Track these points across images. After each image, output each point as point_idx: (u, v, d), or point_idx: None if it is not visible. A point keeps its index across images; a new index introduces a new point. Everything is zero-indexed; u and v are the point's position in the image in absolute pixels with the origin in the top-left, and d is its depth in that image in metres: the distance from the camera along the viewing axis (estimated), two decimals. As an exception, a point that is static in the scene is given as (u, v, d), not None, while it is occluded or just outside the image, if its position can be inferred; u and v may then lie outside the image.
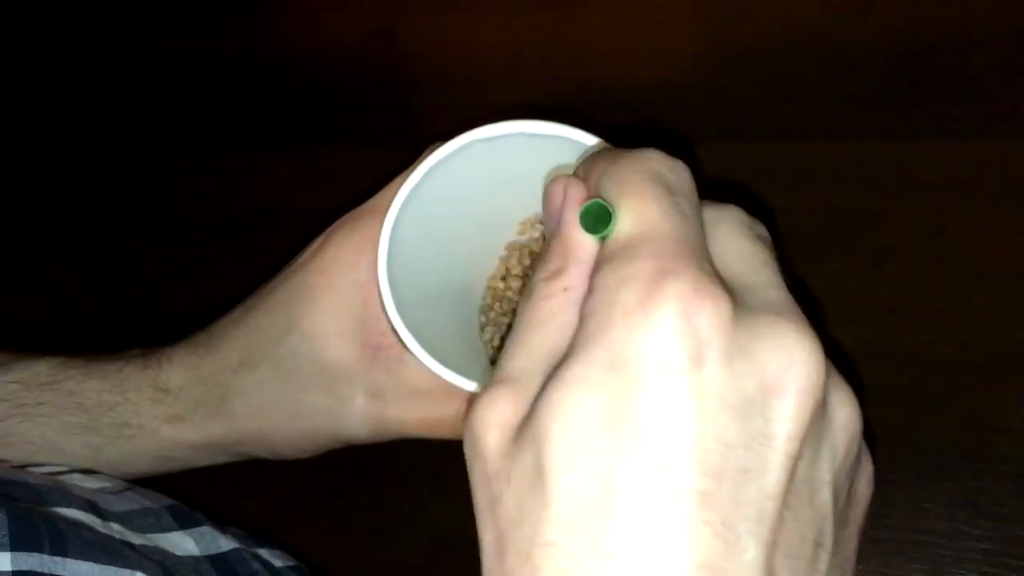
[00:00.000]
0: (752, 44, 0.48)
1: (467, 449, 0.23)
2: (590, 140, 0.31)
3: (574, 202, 0.24)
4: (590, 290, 0.22)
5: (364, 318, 0.37)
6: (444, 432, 0.37)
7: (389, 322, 0.33)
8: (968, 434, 0.41)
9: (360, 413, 0.37)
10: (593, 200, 0.23)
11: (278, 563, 0.40)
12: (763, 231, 0.25)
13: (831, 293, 0.44)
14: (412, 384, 0.37)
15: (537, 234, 0.38)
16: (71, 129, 0.59)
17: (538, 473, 0.21)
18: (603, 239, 0.23)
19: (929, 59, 0.45)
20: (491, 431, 0.22)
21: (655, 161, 0.24)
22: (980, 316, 0.42)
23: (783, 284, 0.23)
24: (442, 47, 0.53)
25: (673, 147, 0.24)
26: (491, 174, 0.33)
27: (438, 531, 0.46)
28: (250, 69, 0.56)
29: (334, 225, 0.39)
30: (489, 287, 0.39)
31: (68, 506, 0.34)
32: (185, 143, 0.57)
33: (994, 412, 0.41)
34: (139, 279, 0.55)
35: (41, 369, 0.40)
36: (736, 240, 0.24)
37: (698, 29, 0.49)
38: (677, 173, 0.24)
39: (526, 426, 0.21)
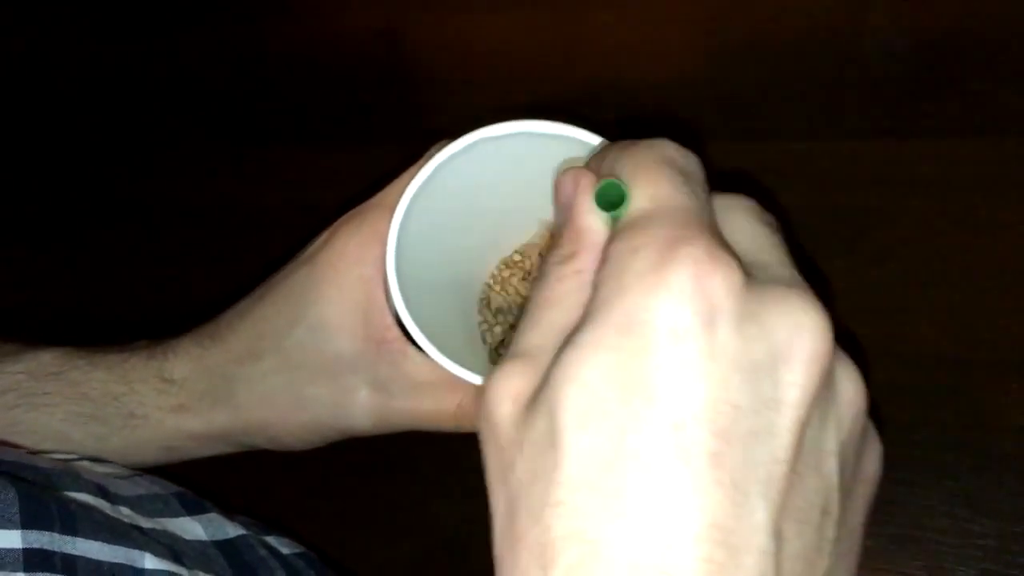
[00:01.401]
0: (752, 44, 0.48)
1: (480, 423, 0.23)
2: (595, 140, 0.31)
3: (586, 190, 0.25)
4: (603, 261, 0.23)
5: (369, 311, 0.37)
6: (446, 424, 0.38)
7: (396, 315, 0.33)
8: (969, 432, 0.41)
9: (364, 405, 0.38)
10: (608, 180, 0.24)
11: (285, 550, 0.41)
12: (772, 218, 0.26)
13: (831, 293, 0.44)
14: (415, 377, 0.37)
15: (538, 239, 0.39)
16: (73, 129, 0.59)
17: (551, 435, 0.21)
18: (615, 219, 0.24)
19: (929, 59, 0.45)
20: (504, 402, 0.23)
21: (668, 148, 0.25)
22: (981, 314, 0.42)
23: (792, 264, 0.24)
24: (445, 47, 0.53)
25: (684, 140, 0.25)
26: (497, 172, 0.34)
27: (441, 527, 0.46)
28: (253, 69, 0.57)
29: (340, 220, 0.39)
30: (489, 283, 0.39)
31: (78, 490, 0.34)
32: (187, 142, 0.57)
33: (995, 410, 0.41)
34: (142, 278, 0.55)
35: (47, 359, 0.41)
36: (746, 224, 0.24)
37: (699, 29, 0.49)
38: (688, 160, 0.25)
39: (539, 393, 0.22)
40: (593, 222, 0.24)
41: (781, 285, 0.22)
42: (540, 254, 0.39)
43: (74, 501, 0.33)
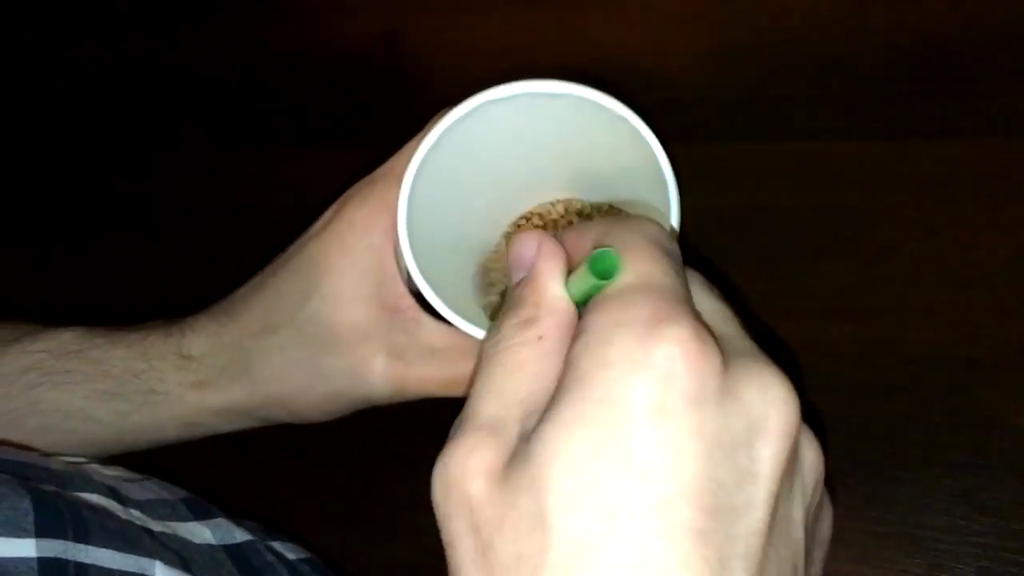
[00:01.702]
0: (752, 44, 0.48)
1: (443, 497, 0.23)
2: (598, 97, 0.31)
3: (549, 255, 0.25)
4: (580, 333, 0.23)
5: (381, 280, 0.37)
6: (461, 391, 0.38)
7: (408, 282, 0.33)
8: (967, 430, 0.42)
9: (381, 373, 0.38)
10: (604, 249, 0.24)
11: (291, 555, 0.41)
12: (718, 292, 0.26)
13: (832, 292, 0.44)
14: (430, 343, 0.37)
15: (549, 201, 0.39)
16: (73, 129, 0.59)
17: (538, 517, 0.21)
18: (596, 290, 0.24)
19: (929, 59, 0.45)
20: (474, 478, 0.22)
21: (654, 228, 0.25)
22: (979, 314, 0.42)
23: (749, 336, 0.24)
24: (445, 48, 0.53)
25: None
26: (502, 134, 0.34)
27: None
28: (254, 70, 0.57)
29: (348, 191, 0.39)
30: (490, 256, 0.39)
31: (91, 491, 0.34)
32: (188, 143, 0.57)
33: (993, 408, 0.42)
34: (141, 278, 0.55)
35: (67, 338, 0.41)
36: (705, 298, 0.25)
37: (699, 29, 0.49)
38: (672, 243, 0.25)
39: (518, 470, 0.21)
40: (559, 289, 0.24)
41: (748, 359, 0.22)
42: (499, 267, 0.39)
43: (87, 505, 0.33)
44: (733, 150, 0.47)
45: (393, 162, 0.38)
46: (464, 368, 0.37)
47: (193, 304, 0.52)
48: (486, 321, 0.36)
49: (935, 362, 0.43)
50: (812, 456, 0.23)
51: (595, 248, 0.24)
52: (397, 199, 0.33)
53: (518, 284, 0.26)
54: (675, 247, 0.25)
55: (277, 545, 0.41)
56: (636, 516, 0.20)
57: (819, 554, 0.25)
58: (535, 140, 0.33)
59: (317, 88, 0.55)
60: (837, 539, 0.41)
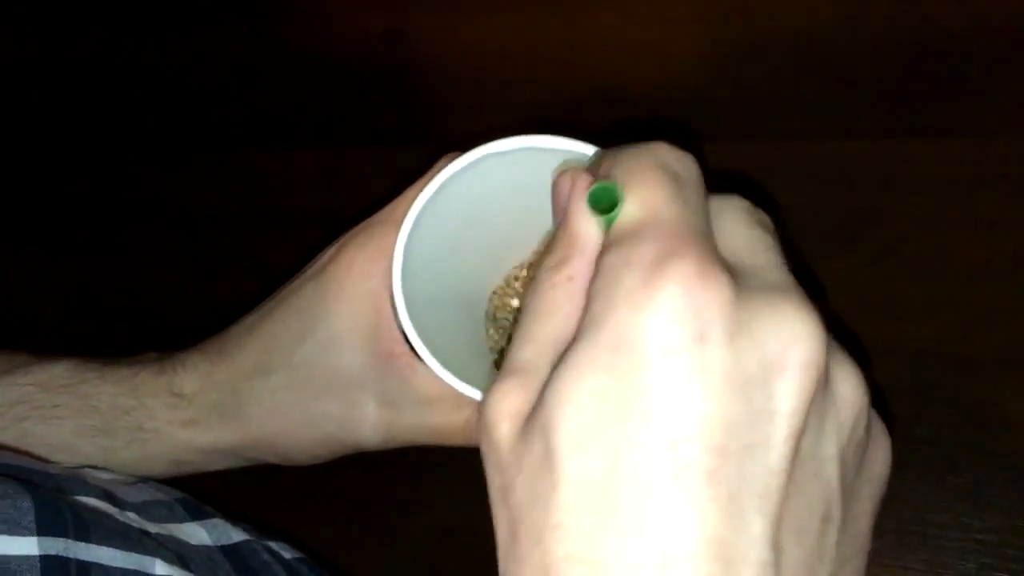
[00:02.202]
0: (752, 44, 0.48)
1: (481, 441, 0.23)
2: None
3: (581, 192, 0.24)
4: (595, 273, 0.23)
5: (377, 326, 0.37)
6: (455, 440, 0.38)
7: (402, 331, 0.33)
8: (969, 428, 0.42)
9: (372, 420, 0.38)
10: (601, 183, 0.23)
11: (287, 555, 0.41)
12: (766, 219, 0.25)
13: (832, 291, 0.44)
14: (424, 392, 0.37)
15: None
16: (72, 131, 0.60)
17: (548, 458, 0.21)
18: (609, 223, 0.23)
19: (929, 59, 0.45)
20: (502, 422, 0.22)
21: (663, 151, 0.24)
22: (980, 312, 0.43)
23: (785, 267, 0.23)
24: (452, 48, 0.53)
25: (682, 141, 0.25)
26: (503, 187, 0.34)
27: (444, 525, 0.47)
28: (260, 70, 0.57)
29: (348, 235, 0.39)
30: (494, 298, 0.39)
31: (87, 494, 0.34)
32: (196, 144, 0.57)
33: (995, 406, 0.42)
34: (150, 278, 0.55)
35: (58, 372, 0.41)
36: (739, 226, 0.24)
37: (700, 29, 0.49)
38: (684, 163, 0.24)
39: (535, 414, 0.22)
40: (587, 227, 0.24)
41: (772, 292, 0.22)
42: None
43: (85, 506, 0.33)
44: (733, 150, 0.47)
45: (393, 207, 0.38)
46: (457, 418, 0.37)
47: (198, 306, 0.52)
48: (480, 372, 0.36)
49: (937, 360, 0.43)
50: (849, 389, 0.22)
51: (598, 181, 0.24)
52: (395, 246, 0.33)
53: (556, 228, 0.25)
54: (688, 169, 0.24)
55: (273, 544, 0.41)
56: (643, 457, 0.20)
57: (868, 491, 0.24)
58: (536, 191, 0.33)
59: (322, 89, 0.55)
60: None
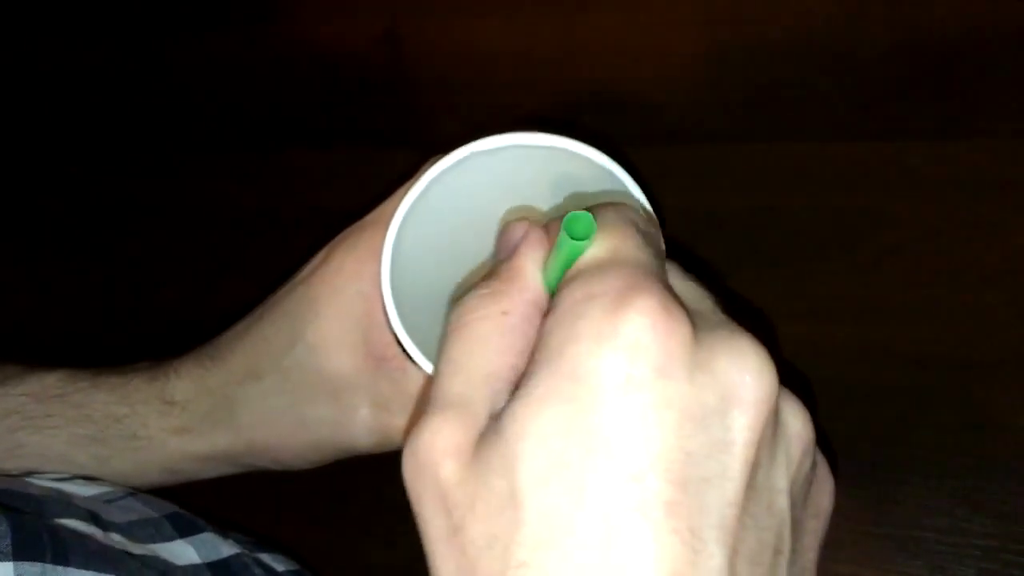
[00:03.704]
0: (752, 44, 0.48)
1: (413, 480, 0.22)
2: (586, 150, 0.31)
3: (532, 242, 0.25)
4: (552, 308, 0.23)
5: (368, 329, 0.37)
6: None
7: (393, 333, 0.33)
8: (968, 432, 0.41)
9: (365, 424, 0.38)
10: (581, 211, 0.24)
11: (280, 567, 0.41)
12: (695, 278, 0.26)
13: (831, 293, 0.44)
14: (416, 394, 0.37)
15: None
16: (74, 134, 0.60)
17: (510, 495, 0.21)
18: (571, 257, 0.24)
19: (929, 59, 0.45)
20: (444, 459, 0.22)
21: (630, 211, 0.25)
22: (980, 315, 0.42)
23: (724, 311, 0.24)
24: (447, 50, 0.53)
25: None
26: (490, 185, 0.34)
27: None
28: (256, 72, 0.57)
29: (337, 237, 0.39)
30: None
31: (69, 516, 0.34)
32: (191, 146, 0.57)
33: (994, 410, 0.41)
34: (147, 280, 0.55)
35: (50, 382, 0.41)
36: (679, 281, 0.25)
37: (699, 30, 0.49)
38: (650, 225, 0.25)
39: (489, 449, 0.21)
40: (533, 270, 0.24)
41: (725, 330, 0.22)
42: None
43: (65, 529, 0.33)
44: (733, 151, 0.47)
45: (383, 208, 0.38)
46: None
47: (196, 307, 0.52)
48: None
49: (937, 363, 0.43)
50: (797, 424, 0.23)
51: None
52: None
53: (497, 262, 0.26)
54: (653, 229, 0.25)
55: (265, 557, 0.40)
56: (606, 490, 0.20)
57: (814, 525, 0.25)
58: (522, 189, 0.33)
59: (319, 91, 0.55)
60: (837, 541, 0.41)
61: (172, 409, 0.40)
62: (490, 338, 0.23)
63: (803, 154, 0.46)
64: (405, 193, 0.33)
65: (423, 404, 0.24)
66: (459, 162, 0.32)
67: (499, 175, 0.33)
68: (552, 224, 0.26)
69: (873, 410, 0.43)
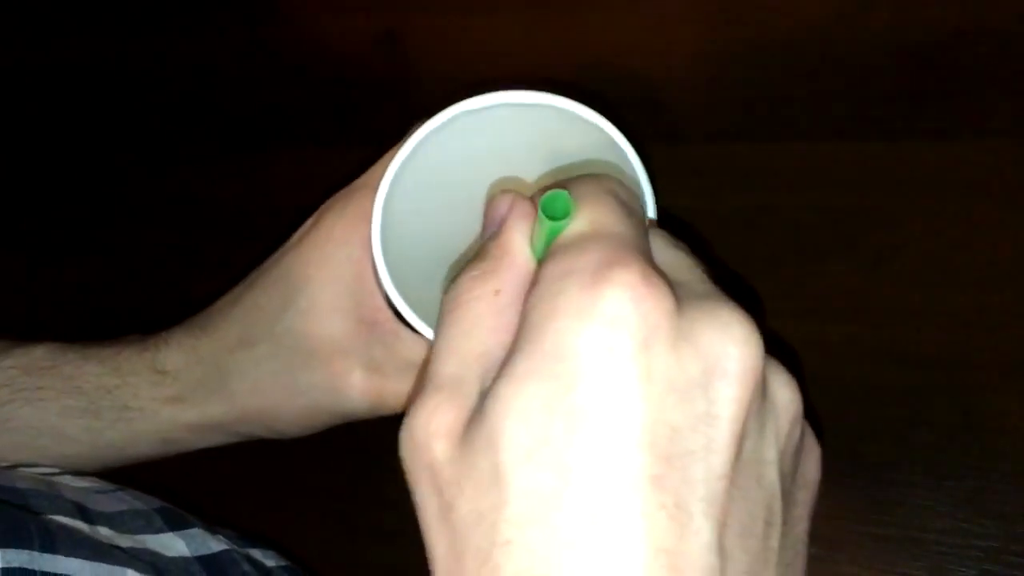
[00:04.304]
0: (752, 44, 0.48)
1: (409, 460, 0.23)
2: (574, 107, 0.31)
3: (519, 215, 0.25)
4: (535, 282, 0.23)
5: (359, 293, 0.37)
6: None
7: (384, 294, 0.33)
8: (969, 433, 0.41)
9: (359, 388, 0.37)
10: (558, 190, 0.23)
11: (270, 563, 0.40)
12: (685, 246, 0.26)
13: (831, 293, 0.44)
14: (409, 357, 0.37)
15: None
16: (71, 134, 0.59)
17: (494, 473, 0.21)
18: (551, 235, 0.23)
19: (929, 59, 0.45)
20: (437, 440, 0.22)
21: (611, 182, 0.25)
22: (980, 315, 0.42)
23: (712, 281, 0.24)
24: (445, 49, 0.53)
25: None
26: (479, 145, 0.33)
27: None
28: (254, 71, 0.57)
29: (327, 203, 0.39)
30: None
31: (55, 512, 0.34)
32: (189, 146, 0.57)
33: (994, 411, 0.41)
34: (144, 280, 0.55)
35: (39, 354, 0.41)
36: (666, 251, 0.25)
37: (698, 30, 0.49)
38: (631, 196, 0.25)
39: (475, 429, 0.21)
40: (520, 244, 0.24)
41: (708, 301, 0.22)
42: None
43: (52, 521, 0.33)
44: (733, 151, 0.47)
45: (371, 172, 0.38)
46: None
47: (194, 307, 0.52)
48: None
49: (938, 364, 0.42)
50: (785, 394, 0.23)
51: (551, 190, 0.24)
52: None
53: (486, 239, 0.25)
54: (634, 201, 0.25)
55: (256, 553, 0.40)
56: (590, 466, 0.20)
57: (803, 496, 0.24)
58: (511, 149, 0.33)
59: (317, 89, 0.55)
60: (838, 542, 0.41)
61: (164, 379, 0.39)
62: (483, 318, 0.23)
63: (803, 154, 0.46)
64: (393, 155, 0.33)
65: (419, 384, 0.24)
66: (447, 122, 0.32)
67: (488, 136, 0.33)
68: (537, 195, 0.26)
69: (873, 410, 0.42)
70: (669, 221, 0.27)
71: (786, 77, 0.47)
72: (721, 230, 0.45)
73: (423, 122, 0.32)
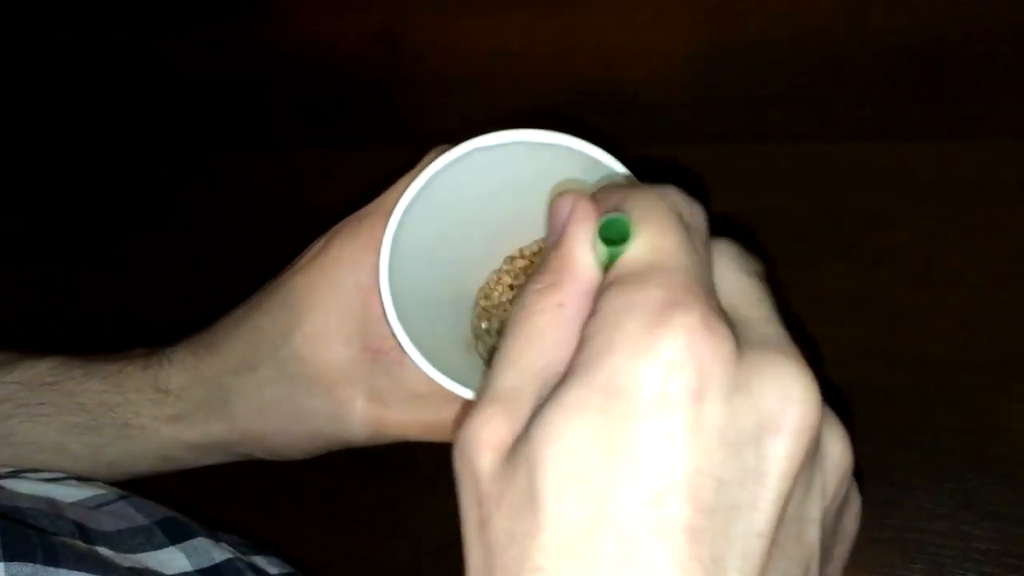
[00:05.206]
0: (752, 44, 0.48)
1: (458, 467, 0.23)
2: (589, 149, 0.31)
3: (583, 219, 0.24)
4: (594, 312, 0.22)
5: (365, 321, 0.37)
6: (444, 435, 0.37)
7: (389, 327, 0.33)
8: (968, 435, 0.41)
9: (360, 416, 0.37)
10: (616, 215, 0.23)
11: (273, 570, 0.40)
12: (759, 267, 0.25)
13: (831, 293, 0.44)
14: (412, 387, 0.37)
15: (536, 248, 0.39)
16: (71, 134, 0.59)
17: (531, 497, 0.20)
18: (611, 257, 0.23)
19: (929, 59, 0.45)
20: (484, 452, 0.22)
21: (676, 197, 0.24)
22: (979, 317, 0.42)
23: (779, 320, 0.23)
24: (443, 49, 0.53)
25: (689, 187, 0.24)
26: (492, 181, 0.33)
27: (436, 532, 0.46)
28: (253, 70, 0.57)
29: (336, 227, 0.38)
30: (481, 300, 0.39)
31: (56, 532, 0.33)
32: (187, 145, 0.57)
33: (994, 413, 0.41)
34: (145, 281, 0.55)
35: (42, 369, 0.40)
36: (733, 275, 0.24)
37: (698, 30, 0.49)
38: (694, 212, 0.24)
39: (520, 448, 0.21)
40: (584, 254, 0.23)
41: (770, 349, 0.21)
42: (522, 270, 0.38)
43: (56, 537, 0.33)
44: (733, 152, 0.47)
45: (383, 199, 0.37)
46: (446, 414, 0.37)
47: (192, 308, 0.52)
48: (470, 368, 0.36)
49: (937, 365, 0.42)
50: (837, 450, 0.22)
51: (609, 213, 0.23)
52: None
53: (549, 248, 0.25)
54: (698, 218, 0.24)
55: (259, 560, 0.40)
56: (628, 508, 0.20)
57: (840, 550, 0.24)
58: (523, 184, 0.33)
59: (315, 89, 0.55)
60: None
61: (166, 398, 0.39)
62: (546, 332, 0.23)
63: (803, 154, 0.46)
64: (406, 185, 0.33)
65: (478, 393, 0.24)
66: (461, 157, 0.32)
67: (501, 171, 0.33)
68: (599, 193, 0.25)
69: (873, 411, 0.42)
70: (734, 231, 0.25)
71: (786, 77, 0.47)
72: (721, 232, 0.45)
73: (438, 152, 0.32)
